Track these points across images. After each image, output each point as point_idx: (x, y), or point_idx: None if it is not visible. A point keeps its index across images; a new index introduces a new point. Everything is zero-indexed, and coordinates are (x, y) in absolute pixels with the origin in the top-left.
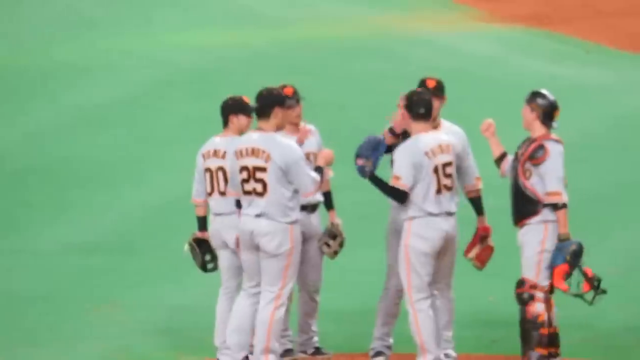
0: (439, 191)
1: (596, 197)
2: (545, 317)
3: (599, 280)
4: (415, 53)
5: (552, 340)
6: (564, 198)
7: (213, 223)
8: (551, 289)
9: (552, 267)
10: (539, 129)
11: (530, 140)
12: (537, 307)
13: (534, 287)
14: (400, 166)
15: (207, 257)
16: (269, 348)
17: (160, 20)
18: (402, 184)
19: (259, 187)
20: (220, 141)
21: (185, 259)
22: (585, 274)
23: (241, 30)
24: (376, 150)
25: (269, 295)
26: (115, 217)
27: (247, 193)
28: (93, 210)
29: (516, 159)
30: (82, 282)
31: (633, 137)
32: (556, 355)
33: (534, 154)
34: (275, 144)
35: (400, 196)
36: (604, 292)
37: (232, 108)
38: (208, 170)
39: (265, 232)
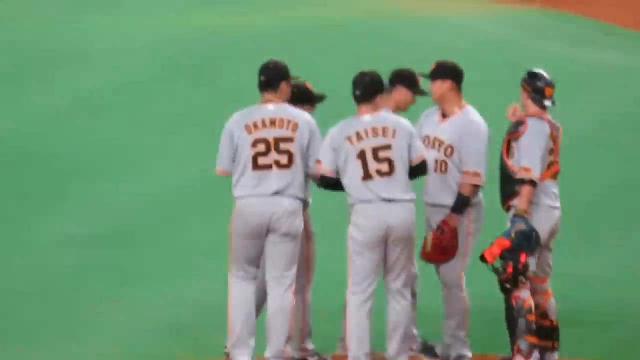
0: (366, 177)
1: (617, 188)
2: (531, 303)
3: (526, 269)
4: (426, 36)
5: (548, 333)
6: (534, 175)
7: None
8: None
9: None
10: (531, 108)
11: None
12: (522, 293)
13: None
14: (322, 150)
15: None
16: (290, 337)
17: (160, 0)
18: (323, 168)
19: (283, 159)
20: None
21: (186, 253)
22: (517, 257)
23: (245, 10)
24: None
25: (286, 281)
26: (113, 209)
27: (261, 168)
28: (90, 202)
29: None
30: (79, 278)
31: None
32: (553, 349)
33: (512, 128)
34: (297, 113)
35: (325, 181)
36: (519, 280)
37: (298, 98)
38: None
39: (289, 211)
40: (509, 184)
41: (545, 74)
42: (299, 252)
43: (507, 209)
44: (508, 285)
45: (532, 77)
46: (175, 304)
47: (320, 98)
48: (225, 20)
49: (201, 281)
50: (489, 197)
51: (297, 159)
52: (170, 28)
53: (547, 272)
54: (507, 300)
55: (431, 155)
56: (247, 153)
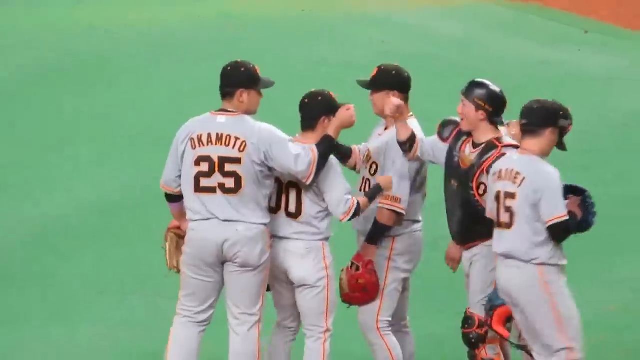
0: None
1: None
2: None
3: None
4: (365, 34)
5: None
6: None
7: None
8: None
9: (491, 308)
10: (487, 131)
11: (484, 146)
12: (489, 351)
13: (483, 326)
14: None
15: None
16: None
17: None
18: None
19: (229, 183)
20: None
21: (75, 294)
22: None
23: (143, 5)
24: None
25: (250, 319)
26: None
27: (203, 190)
28: None
29: (468, 168)
30: None
31: None
32: None
33: (479, 159)
34: (251, 129)
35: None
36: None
37: (324, 109)
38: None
39: (247, 237)
40: (480, 225)
41: (496, 86)
42: (265, 282)
43: (468, 248)
44: (473, 339)
45: (488, 91)
46: (64, 352)
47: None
48: (121, 15)
49: (97, 325)
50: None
51: (248, 183)
52: (56, 26)
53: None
54: (471, 357)
55: (360, 173)
56: (189, 172)
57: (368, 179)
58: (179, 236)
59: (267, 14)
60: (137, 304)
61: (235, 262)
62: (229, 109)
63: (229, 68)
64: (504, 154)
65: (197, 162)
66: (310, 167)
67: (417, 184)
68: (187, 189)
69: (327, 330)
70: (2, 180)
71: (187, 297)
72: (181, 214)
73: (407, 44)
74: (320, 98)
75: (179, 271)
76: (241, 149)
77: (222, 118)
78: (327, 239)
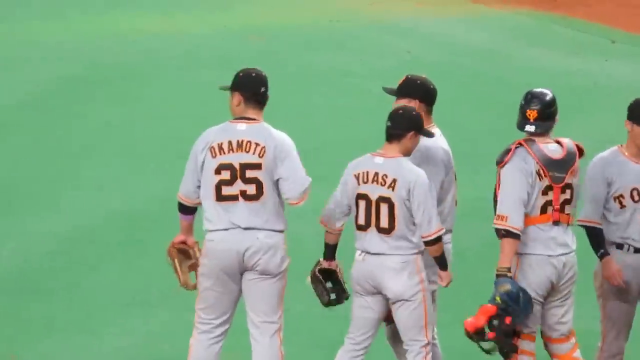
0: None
1: None
2: None
3: (512, 333)
4: (391, 43)
5: None
6: (509, 223)
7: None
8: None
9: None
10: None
11: None
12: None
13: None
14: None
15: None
16: None
17: (71, 2)
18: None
19: (251, 189)
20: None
21: (101, 305)
22: (502, 322)
23: (174, 15)
24: None
25: (271, 327)
26: (16, 250)
27: (225, 199)
28: None
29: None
30: None
31: None
32: None
33: (500, 157)
34: (269, 135)
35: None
36: (510, 348)
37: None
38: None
39: (269, 245)
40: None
41: (539, 93)
42: (284, 289)
43: None
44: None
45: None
46: None
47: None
48: (149, 24)
49: (118, 339)
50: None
51: (268, 189)
52: (84, 34)
53: (560, 330)
54: None
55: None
56: (210, 181)
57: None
58: (183, 252)
59: (293, 24)
60: (163, 316)
61: (256, 270)
62: (251, 116)
63: (253, 73)
64: None
65: (218, 171)
66: (304, 194)
67: (445, 193)
68: (208, 199)
69: (428, 343)
70: (29, 191)
71: (206, 309)
72: (191, 227)
73: (433, 54)
74: (414, 113)
75: (192, 287)
76: (261, 154)
77: (242, 125)
78: (421, 252)
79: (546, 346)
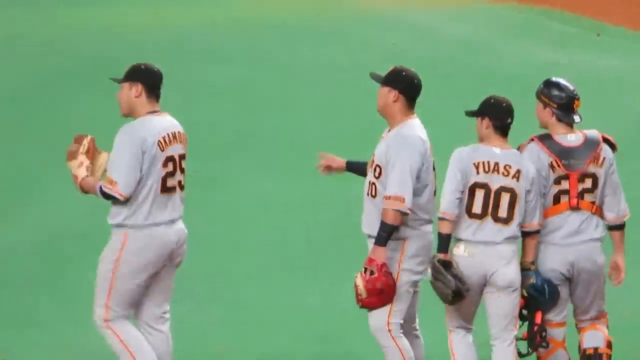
0: (164, 190)
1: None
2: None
3: (544, 331)
4: (378, 36)
5: None
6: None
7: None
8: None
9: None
10: (554, 127)
11: None
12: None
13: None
14: None
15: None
16: None
17: None
18: None
19: (183, 180)
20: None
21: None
22: (532, 319)
23: (159, 8)
24: None
25: (167, 317)
26: (1, 242)
27: (168, 190)
28: None
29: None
30: None
31: None
32: None
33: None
34: (178, 124)
35: None
36: (543, 344)
37: None
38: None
39: (185, 237)
40: None
41: (568, 84)
42: None
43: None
44: (530, 350)
45: (558, 89)
46: (77, 353)
47: None
48: (134, 18)
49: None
50: None
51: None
52: (67, 27)
53: (586, 314)
54: None
55: (367, 177)
56: (157, 174)
57: (374, 183)
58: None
59: (278, 17)
60: None
61: (178, 260)
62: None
63: (156, 68)
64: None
65: (165, 163)
66: None
67: (422, 184)
68: (148, 192)
69: (516, 334)
70: (15, 183)
71: (133, 304)
72: None
73: (418, 46)
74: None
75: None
76: (185, 143)
77: (167, 116)
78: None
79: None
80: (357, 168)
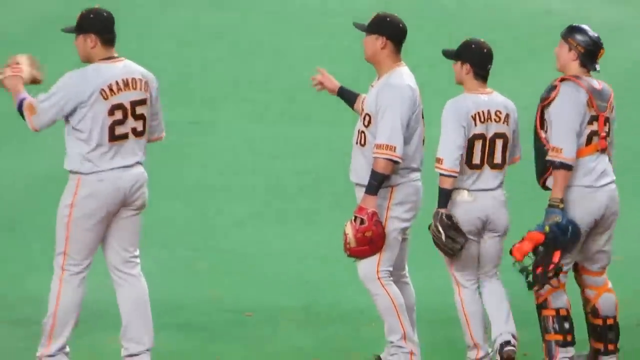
0: (112, 138)
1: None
2: (549, 298)
3: (558, 271)
4: None
5: (599, 333)
6: (564, 155)
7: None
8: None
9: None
10: (575, 71)
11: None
12: (548, 292)
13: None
14: None
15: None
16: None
17: None
18: None
19: (139, 126)
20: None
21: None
22: (550, 257)
23: None
24: None
25: (137, 261)
26: None
27: (118, 138)
28: None
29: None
30: None
31: None
32: (608, 352)
33: (544, 94)
34: (144, 70)
35: None
36: (552, 284)
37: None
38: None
39: (145, 180)
40: (542, 159)
41: (592, 32)
42: None
43: (543, 185)
44: (536, 288)
45: (584, 35)
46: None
47: None
48: None
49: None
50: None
51: (147, 124)
52: None
53: (600, 262)
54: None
55: (356, 125)
56: (102, 123)
57: (363, 132)
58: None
59: None
60: (143, 255)
61: (137, 204)
62: (116, 55)
63: (108, 12)
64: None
65: (112, 112)
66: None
67: (411, 132)
68: (96, 141)
69: None
70: (7, 130)
71: (81, 251)
72: None
73: None
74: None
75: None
76: (144, 89)
77: (119, 63)
78: None
79: (579, 278)
80: (348, 97)
